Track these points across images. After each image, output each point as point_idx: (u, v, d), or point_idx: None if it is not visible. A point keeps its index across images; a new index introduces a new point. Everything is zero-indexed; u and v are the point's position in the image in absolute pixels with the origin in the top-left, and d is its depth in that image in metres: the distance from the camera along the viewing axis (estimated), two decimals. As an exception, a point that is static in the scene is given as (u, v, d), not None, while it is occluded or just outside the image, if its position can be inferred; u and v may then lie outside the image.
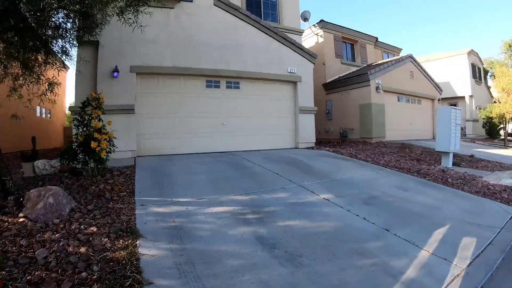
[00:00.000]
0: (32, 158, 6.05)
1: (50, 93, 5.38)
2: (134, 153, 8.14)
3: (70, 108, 6.96)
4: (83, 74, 7.86)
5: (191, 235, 3.58)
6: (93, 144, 5.68)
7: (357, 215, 4.30)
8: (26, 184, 5.41)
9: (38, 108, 14.15)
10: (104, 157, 5.86)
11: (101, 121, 6.08)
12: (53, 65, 5.52)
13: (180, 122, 8.86)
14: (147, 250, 3.26)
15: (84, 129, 6.02)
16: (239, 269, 2.95)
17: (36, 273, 2.89)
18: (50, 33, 5.11)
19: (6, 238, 3.51)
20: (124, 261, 3.06)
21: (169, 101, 8.74)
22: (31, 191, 4.28)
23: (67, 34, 5.38)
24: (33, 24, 4.67)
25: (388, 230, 3.85)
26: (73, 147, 5.91)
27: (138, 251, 3.23)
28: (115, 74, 7.93)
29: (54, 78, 5.42)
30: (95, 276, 2.83)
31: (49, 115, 16.07)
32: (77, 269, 2.94)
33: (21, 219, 3.98)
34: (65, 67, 15.69)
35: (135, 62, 8.26)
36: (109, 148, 6.03)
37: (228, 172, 6.34)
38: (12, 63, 5.14)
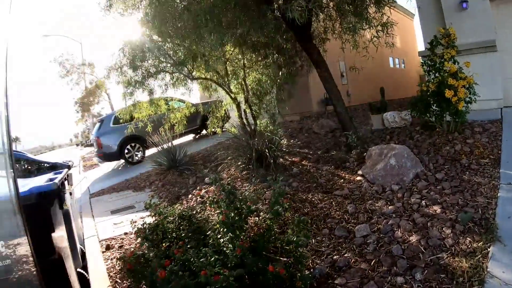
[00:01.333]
0: (380, 110, 5.97)
1: (385, 36, 4.78)
2: (500, 103, 6.15)
3: (419, 53, 6.21)
4: (425, 12, 6.81)
5: None
6: (448, 93, 4.70)
7: None
8: (373, 137, 5.42)
9: (390, 59, 14.59)
10: (463, 109, 4.73)
11: (456, 63, 4.91)
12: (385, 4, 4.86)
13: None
14: (499, 269, 2.06)
15: (436, 74, 5.15)
16: None
17: (346, 255, 2.53)
18: None
19: (335, 199, 3.43)
20: (461, 279, 2.04)
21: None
22: (372, 148, 4.13)
23: None
24: None
25: None
26: (424, 97, 5.21)
27: (486, 267, 2.09)
28: (464, 5, 6.21)
29: (387, 17, 4.73)
30: (412, 289, 2.07)
31: (403, 65, 16.19)
32: (393, 268, 2.28)
33: (358, 178, 3.90)
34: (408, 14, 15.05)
35: (488, -16, 5.99)
36: (469, 97, 4.80)
37: None
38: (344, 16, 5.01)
